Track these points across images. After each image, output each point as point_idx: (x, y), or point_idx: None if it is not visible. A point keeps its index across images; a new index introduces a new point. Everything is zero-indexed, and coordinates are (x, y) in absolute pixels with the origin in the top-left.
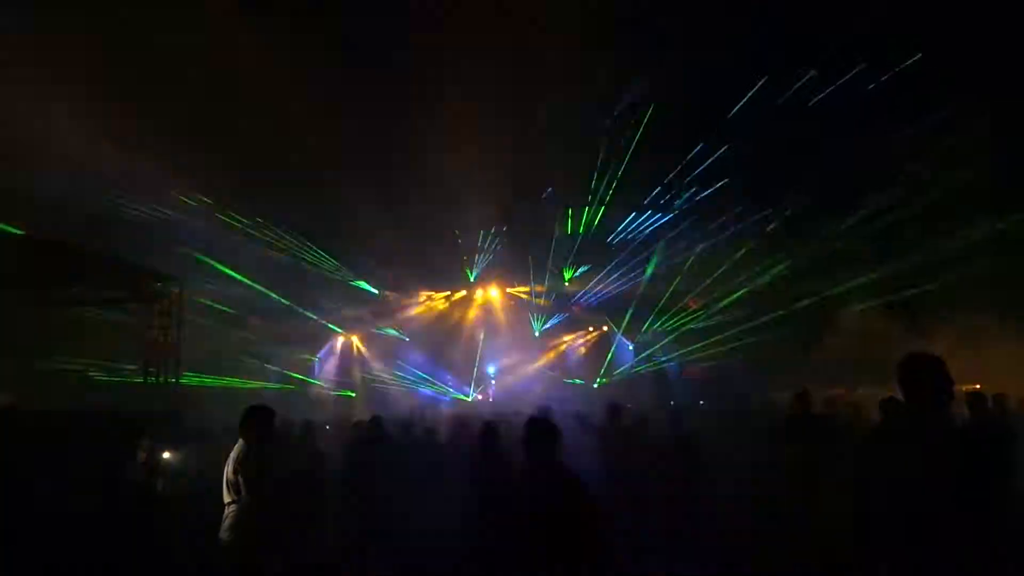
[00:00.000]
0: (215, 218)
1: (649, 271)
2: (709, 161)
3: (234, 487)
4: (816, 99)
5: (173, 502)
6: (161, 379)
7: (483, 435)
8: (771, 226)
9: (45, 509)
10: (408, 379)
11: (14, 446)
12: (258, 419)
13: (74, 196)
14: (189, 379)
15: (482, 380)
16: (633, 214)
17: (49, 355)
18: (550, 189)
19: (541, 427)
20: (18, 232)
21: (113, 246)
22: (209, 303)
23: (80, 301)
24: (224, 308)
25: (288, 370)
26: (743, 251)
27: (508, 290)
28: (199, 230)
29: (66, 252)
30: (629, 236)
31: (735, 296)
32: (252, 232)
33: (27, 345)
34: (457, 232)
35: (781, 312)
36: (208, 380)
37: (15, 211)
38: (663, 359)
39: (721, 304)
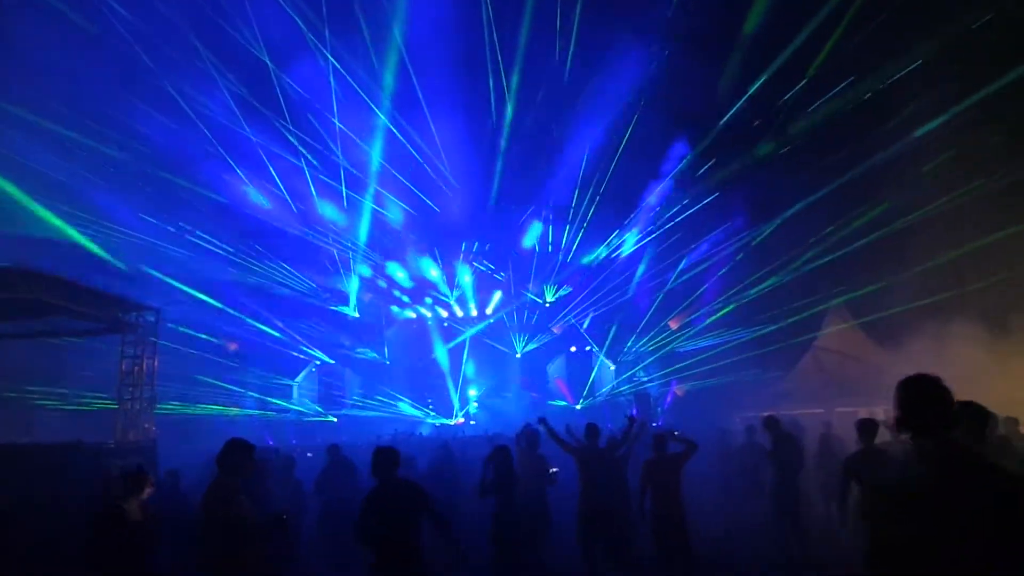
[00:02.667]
0: (191, 244)
1: (631, 290)
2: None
3: (215, 523)
4: (792, 119)
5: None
6: (136, 407)
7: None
8: (752, 243)
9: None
10: (389, 403)
11: None
12: (237, 454)
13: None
14: (165, 407)
15: (464, 402)
16: (615, 232)
17: (24, 386)
18: (532, 207)
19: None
20: None
21: (88, 276)
22: (185, 330)
23: (55, 332)
24: (199, 335)
25: (266, 395)
26: (723, 271)
27: (488, 310)
28: (175, 257)
29: (41, 283)
30: (611, 255)
31: (715, 317)
32: (230, 256)
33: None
34: (436, 251)
35: (758, 331)
36: (185, 408)
37: None
38: (645, 380)
39: (702, 324)
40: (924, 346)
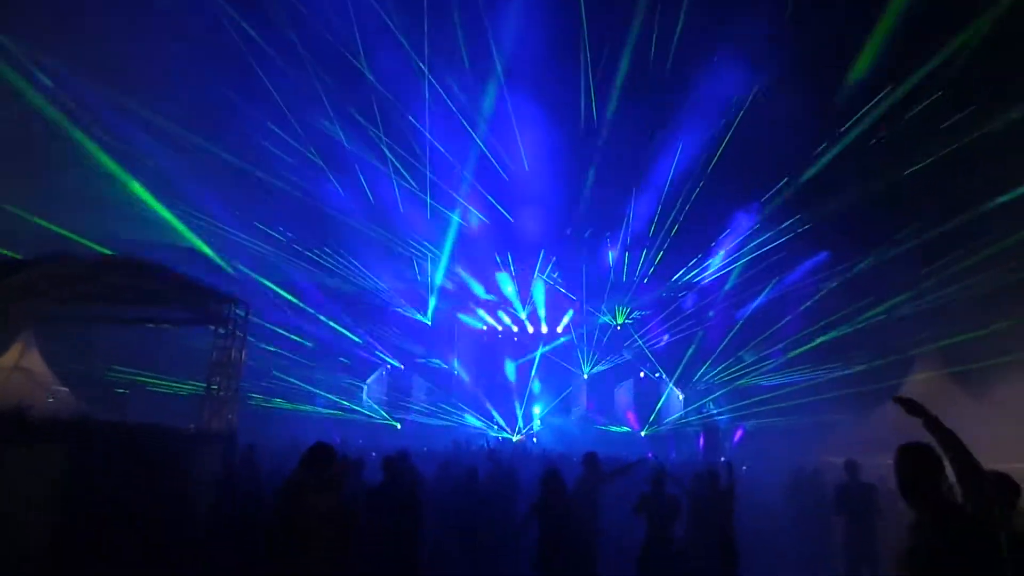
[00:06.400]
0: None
1: (706, 319)
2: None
3: (294, 522)
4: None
5: None
6: (222, 396)
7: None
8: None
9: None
10: (454, 412)
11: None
12: (321, 459)
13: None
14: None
15: (528, 419)
16: (695, 259)
17: (120, 368)
18: (611, 228)
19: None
20: (104, 251)
21: (185, 268)
22: (270, 326)
23: (153, 319)
24: (281, 331)
25: (336, 395)
26: (806, 306)
27: (558, 328)
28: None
29: (144, 271)
30: (688, 282)
31: (795, 352)
32: (316, 259)
33: (102, 359)
34: (512, 268)
35: (841, 373)
36: (262, 401)
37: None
38: (715, 412)
39: (780, 360)
40: (1016, 399)
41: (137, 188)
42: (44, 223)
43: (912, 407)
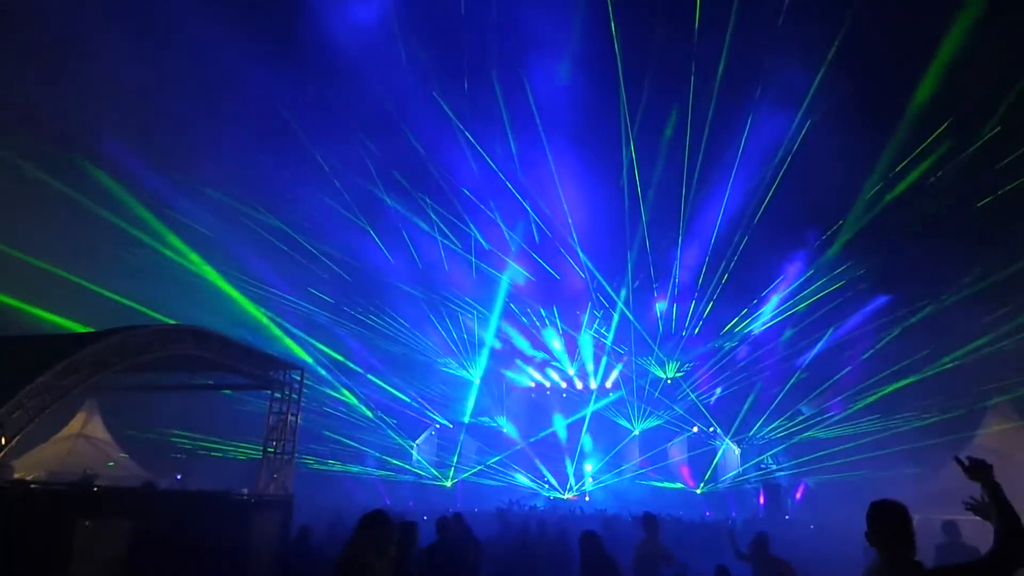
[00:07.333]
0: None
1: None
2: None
3: None
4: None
5: None
6: (279, 461)
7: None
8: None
9: None
10: (504, 472)
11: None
12: (379, 523)
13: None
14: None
15: (579, 477)
16: (747, 308)
17: (179, 433)
18: (655, 284)
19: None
20: (169, 322)
21: (241, 335)
22: (321, 388)
23: (212, 386)
24: (336, 394)
25: (385, 455)
26: (867, 355)
27: (607, 383)
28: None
29: (204, 340)
30: (740, 333)
31: (858, 405)
32: (364, 320)
33: (161, 425)
34: (558, 322)
35: (909, 426)
36: (313, 463)
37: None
38: (774, 467)
39: (841, 412)
40: None
41: (196, 259)
42: (111, 295)
43: (975, 471)
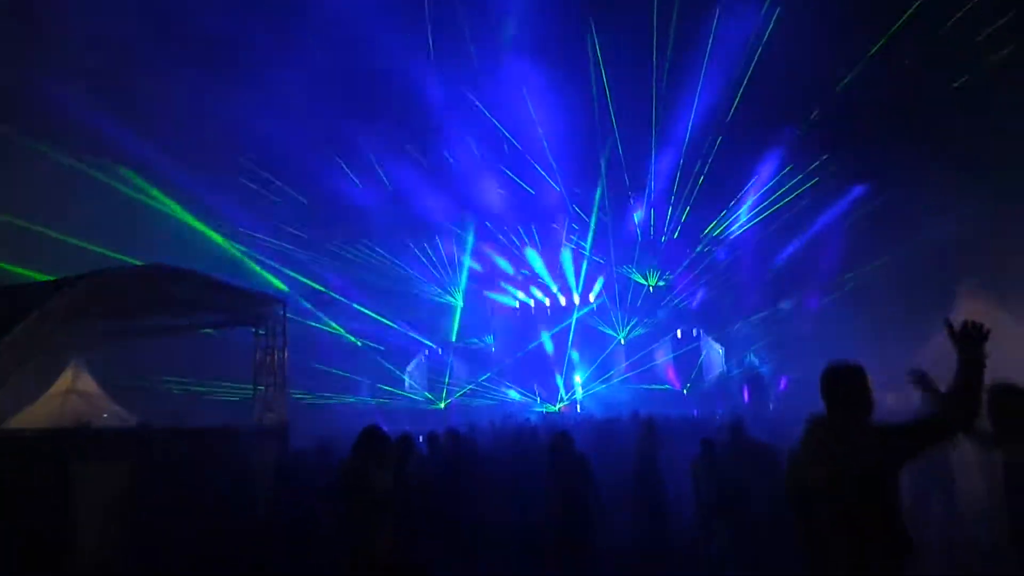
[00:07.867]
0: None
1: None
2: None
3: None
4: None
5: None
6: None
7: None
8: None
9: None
10: (496, 390)
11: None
12: (377, 440)
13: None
14: (293, 395)
15: (569, 388)
16: (724, 210)
17: (171, 379)
18: (631, 193)
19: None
20: (138, 263)
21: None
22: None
23: (194, 326)
24: (321, 326)
25: (379, 383)
26: (841, 245)
27: (591, 296)
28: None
29: (180, 279)
30: (718, 235)
31: (833, 296)
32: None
33: (152, 368)
34: (537, 238)
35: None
36: (308, 396)
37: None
38: (757, 363)
39: (818, 303)
40: None
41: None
42: (75, 241)
43: (967, 338)
